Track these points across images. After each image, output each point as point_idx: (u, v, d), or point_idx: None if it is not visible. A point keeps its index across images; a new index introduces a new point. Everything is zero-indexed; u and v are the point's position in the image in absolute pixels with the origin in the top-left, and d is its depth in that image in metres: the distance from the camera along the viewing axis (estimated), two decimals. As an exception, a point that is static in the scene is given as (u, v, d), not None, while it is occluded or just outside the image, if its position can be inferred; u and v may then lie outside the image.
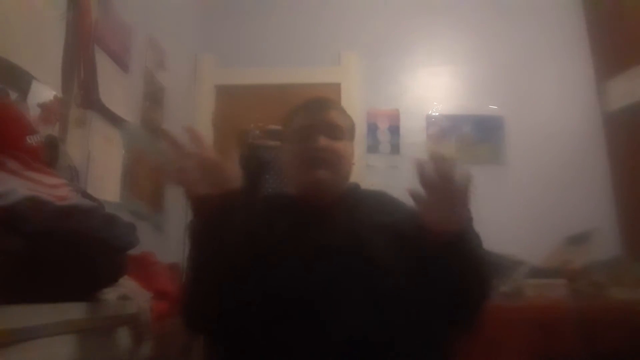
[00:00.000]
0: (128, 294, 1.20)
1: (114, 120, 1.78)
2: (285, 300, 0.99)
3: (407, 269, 1.01)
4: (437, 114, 2.78)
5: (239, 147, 2.65)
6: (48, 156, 1.16)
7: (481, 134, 2.73)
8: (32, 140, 0.98)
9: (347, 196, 1.20)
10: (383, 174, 2.69)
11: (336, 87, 2.84)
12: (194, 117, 2.79)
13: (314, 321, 0.96)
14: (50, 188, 0.89)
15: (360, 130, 2.76)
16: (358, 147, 2.76)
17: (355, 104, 2.79)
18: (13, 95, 1.19)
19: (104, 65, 1.69)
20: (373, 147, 2.74)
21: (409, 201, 1.21)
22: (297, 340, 0.95)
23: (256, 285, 0.99)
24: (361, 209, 1.16)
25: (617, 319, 1.81)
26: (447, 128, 2.75)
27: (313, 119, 1.17)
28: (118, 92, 1.80)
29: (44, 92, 1.33)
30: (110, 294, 1.08)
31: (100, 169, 1.67)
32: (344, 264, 1.02)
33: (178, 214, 2.55)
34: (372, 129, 2.77)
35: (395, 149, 2.74)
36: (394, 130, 2.76)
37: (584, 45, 2.81)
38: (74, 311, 0.87)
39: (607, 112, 2.66)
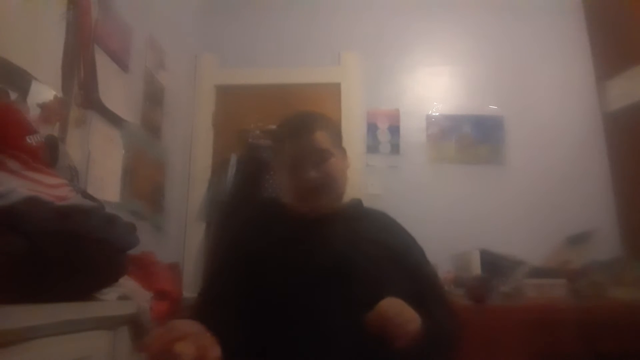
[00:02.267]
0: (128, 294, 1.20)
1: (114, 120, 1.78)
2: (274, 305, 1.00)
3: (399, 283, 1.04)
4: (437, 114, 2.78)
5: (239, 147, 2.65)
6: (48, 156, 1.16)
7: (481, 134, 2.73)
8: (32, 140, 0.98)
9: (346, 209, 1.23)
10: (383, 174, 2.69)
11: (336, 87, 2.84)
12: (194, 117, 2.79)
13: (302, 326, 0.98)
14: (50, 188, 0.89)
15: (360, 130, 2.78)
16: (358, 147, 2.77)
17: (355, 104, 2.79)
18: (13, 95, 1.19)
19: (104, 65, 1.69)
20: (373, 147, 2.74)
21: (408, 209, 1.24)
22: (284, 345, 0.96)
23: (247, 287, 1.02)
24: (359, 223, 1.18)
25: (617, 319, 1.81)
26: (447, 128, 2.75)
27: (300, 147, 1.15)
28: (118, 92, 1.80)
29: (44, 92, 1.34)
30: (110, 294, 1.08)
31: (100, 169, 1.67)
32: (338, 274, 1.03)
33: (178, 214, 2.55)
34: (372, 129, 2.77)
35: (395, 149, 2.74)
36: (394, 130, 2.76)
37: (584, 45, 2.81)
38: (74, 311, 0.87)
39: (607, 112, 2.66)
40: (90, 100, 1.61)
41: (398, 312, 0.90)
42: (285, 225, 1.15)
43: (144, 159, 2.08)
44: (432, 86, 2.82)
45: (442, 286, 1.22)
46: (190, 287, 2.16)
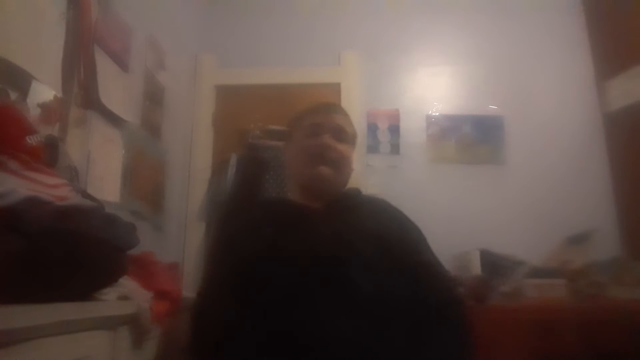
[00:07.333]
0: (128, 294, 1.20)
1: (114, 120, 1.78)
2: (269, 300, 1.00)
3: (388, 279, 1.03)
4: (437, 114, 2.78)
5: (239, 147, 2.65)
6: (48, 156, 1.16)
7: (481, 134, 2.73)
8: (32, 140, 0.98)
9: (342, 200, 1.23)
10: (383, 174, 2.69)
11: (336, 87, 2.83)
12: (194, 117, 2.79)
13: (295, 322, 0.97)
14: (50, 188, 0.89)
15: (361, 130, 2.77)
16: (358, 147, 2.76)
17: (355, 104, 2.79)
18: (13, 95, 1.19)
19: (104, 65, 1.69)
20: (373, 147, 2.74)
21: (408, 209, 1.23)
22: (280, 340, 0.96)
23: (243, 286, 1.02)
24: (355, 214, 1.17)
25: (617, 319, 1.81)
26: (447, 128, 2.75)
27: (321, 119, 1.26)
28: (118, 92, 1.80)
29: (44, 92, 1.33)
30: (110, 294, 1.08)
31: (100, 169, 1.67)
32: (325, 267, 1.02)
33: (178, 214, 2.55)
34: (372, 129, 2.77)
35: (395, 149, 2.74)
36: (394, 130, 2.76)
37: (584, 45, 2.81)
38: (74, 311, 0.87)
39: (607, 112, 2.66)
40: (90, 100, 1.60)
41: None
42: (277, 221, 1.14)
43: (144, 159, 2.08)
44: (432, 86, 2.82)
45: (449, 289, 1.13)
46: (190, 287, 2.16)
